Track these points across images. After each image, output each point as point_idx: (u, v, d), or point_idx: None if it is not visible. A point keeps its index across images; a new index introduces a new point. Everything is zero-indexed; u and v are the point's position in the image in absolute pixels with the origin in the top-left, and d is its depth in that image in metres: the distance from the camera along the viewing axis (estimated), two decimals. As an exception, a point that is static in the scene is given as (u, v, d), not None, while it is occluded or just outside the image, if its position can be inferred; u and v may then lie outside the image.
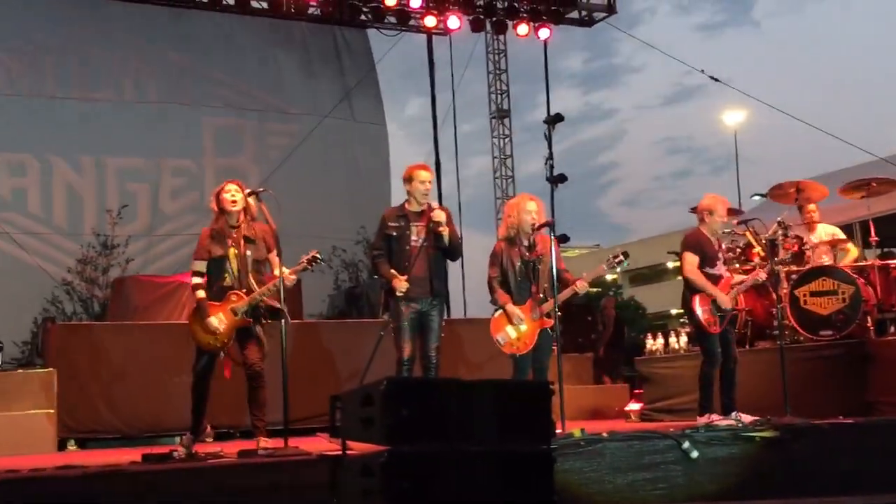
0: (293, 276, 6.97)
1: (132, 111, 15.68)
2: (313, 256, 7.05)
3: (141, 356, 9.10)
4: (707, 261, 7.93)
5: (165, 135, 15.93)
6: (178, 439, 8.69)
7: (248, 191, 7.14)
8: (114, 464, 5.92)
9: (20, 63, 15.20)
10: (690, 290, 7.92)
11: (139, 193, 15.81)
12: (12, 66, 15.16)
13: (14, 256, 14.34)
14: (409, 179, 7.58)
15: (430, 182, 7.61)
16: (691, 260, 7.92)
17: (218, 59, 16.53)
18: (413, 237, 7.46)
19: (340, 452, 4.64)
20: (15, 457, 7.44)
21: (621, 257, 7.77)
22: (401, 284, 7.29)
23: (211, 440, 8.85)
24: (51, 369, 8.79)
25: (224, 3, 15.09)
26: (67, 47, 15.48)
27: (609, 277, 10.99)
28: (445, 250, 7.56)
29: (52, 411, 8.53)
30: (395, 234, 7.51)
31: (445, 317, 14.44)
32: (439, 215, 7.41)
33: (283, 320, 6.74)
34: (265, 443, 6.73)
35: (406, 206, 7.62)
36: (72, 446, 8.73)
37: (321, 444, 6.52)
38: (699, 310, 7.82)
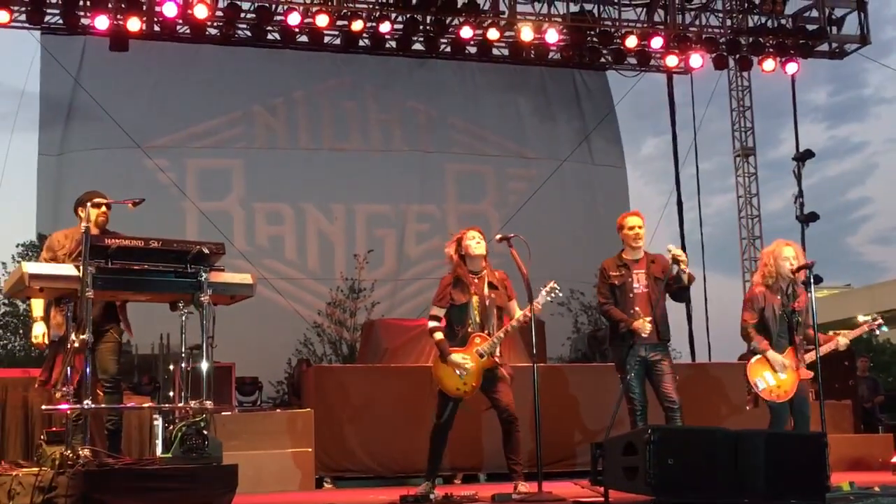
0: (538, 307, 6.92)
1: (379, 160, 16.37)
2: (552, 287, 7.00)
3: (391, 398, 9.28)
4: None
5: (410, 182, 16.51)
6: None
7: (498, 237, 7.18)
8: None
9: (278, 119, 16.23)
10: None
11: (385, 239, 16.40)
12: (271, 122, 16.19)
13: (272, 301, 15.14)
14: (619, 228, 7.52)
15: (639, 227, 7.44)
16: None
17: (459, 106, 16.98)
18: (635, 284, 7.33)
19: (600, 500, 4.57)
20: (278, 493, 7.77)
21: (881, 321, 7.69)
22: (644, 326, 7.12)
23: (459, 482, 8.94)
24: (309, 409, 9.10)
25: (466, 51, 15.43)
26: (319, 101, 16.37)
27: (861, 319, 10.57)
28: (679, 291, 7.37)
29: (309, 450, 8.80)
30: (617, 283, 7.41)
31: (690, 360, 14.20)
32: (679, 252, 7.22)
33: (534, 364, 6.72)
34: (523, 486, 6.69)
35: (623, 254, 7.51)
36: (328, 484, 8.99)
37: (576, 491, 6.45)
38: None
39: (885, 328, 7.74)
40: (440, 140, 16.74)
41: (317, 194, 16.20)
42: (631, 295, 7.31)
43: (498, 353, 7.00)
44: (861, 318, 7.76)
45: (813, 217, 7.27)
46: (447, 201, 16.73)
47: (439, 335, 7.04)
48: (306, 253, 16.09)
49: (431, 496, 6.47)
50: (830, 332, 7.77)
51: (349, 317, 15.40)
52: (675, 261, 7.17)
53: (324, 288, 15.69)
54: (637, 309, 7.18)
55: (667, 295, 7.40)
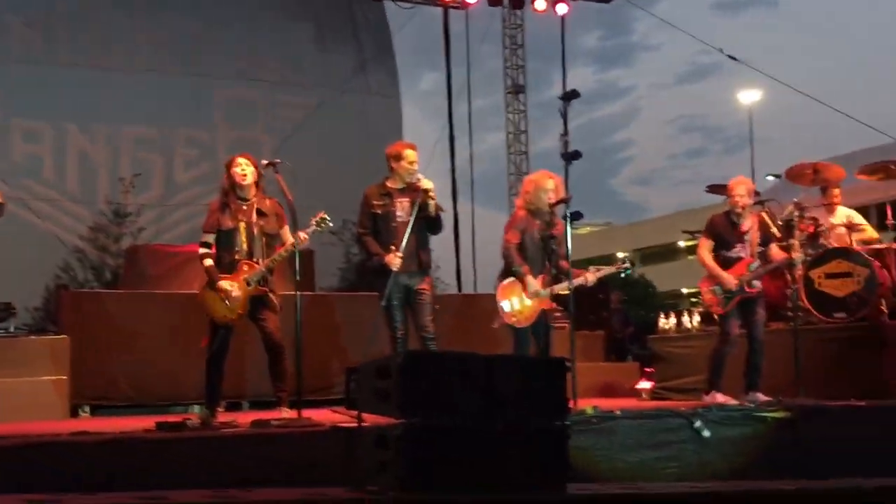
0: (304, 237, 6.93)
1: (146, 80, 15.71)
2: (321, 218, 7.04)
3: (154, 325, 9.09)
4: (722, 244, 8.02)
5: (178, 105, 15.98)
6: (189, 408, 8.75)
7: (264, 162, 7.13)
8: (128, 431, 5.94)
9: (35, 30, 15.25)
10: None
11: (152, 163, 15.89)
12: (28, 34, 15.21)
13: (28, 223, 14.37)
14: (396, 157, 7.46)
15: (416, 163, 7.49)
16: (702, 244, 8.16)
17: (232, 30, 16.55)
18: (398, 213, 7.40)
19: (355, 424, 4.65)
20: (29, 422, 7.48)
21: (627, 265, 8.14)
22: (395, 260, 7.22)
23: (223, 410, 8.89)
24: (64, 336, 8.80)
25: (240, -29, 15.03)
26: (81, 15, 15.50)
27: (620, 255, 11.12)
28: (430, 222, 7.48)
29: (64, 377, 8.54)
30: (379, 212, 7.43)
31: (457, 291, 14.51)
32: (429, 183, 7.35)
33: (298, 293, 6.74)
34: (287, 413, 6.75)
35: (388, 183, 7.51)
36: (84, 413, 8.74)
37: (334, 416, 6.53)
38: (703, 290, 8.08)
39: (629, 272, 8.24)
40: (211, 63, 16.22)
41: (78, 113, 15.35)
42: (393, 224, 7.36)
43: (269, 282, 7.01)
44: (620, 255, 8.19)
45: (576, 155, 7.53)
46: (218, 127, 16.33)
47: (209, 262, 7.00)
48: (66, 174, 15.35)
49: (189, 423, 6.38)
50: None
51: (113, 242, 14.86)
52: (423, 191, 7.28)
53: (85, 211, 15.06)
54: (394, 240, 7.27)
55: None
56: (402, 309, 7.38)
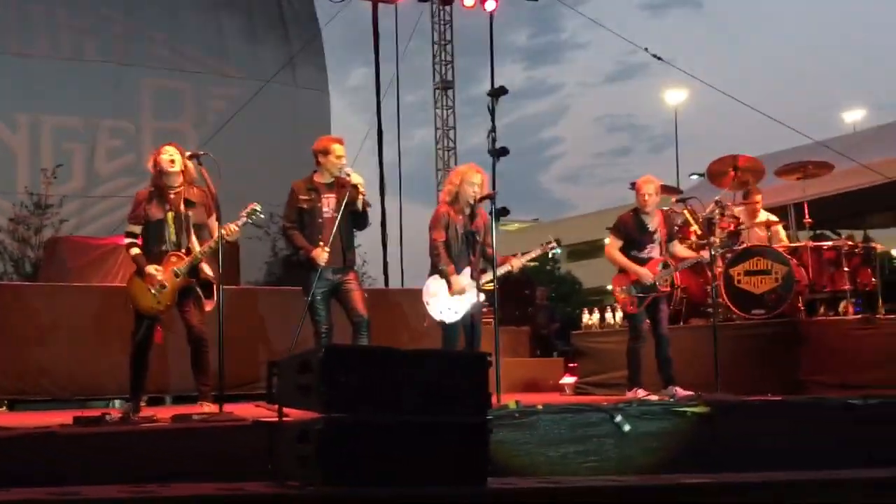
0: (235, 228, 6.87)
1: (69, 69, 15.48)
2: (252, 209, 6.99)
3: (74, 318, 8.94)
4: (632, 244, 8.15)
5: (103, 95, 15.75)
6: (110, 403, 8.63)
7: (188, 153, 7.06)
8: (44, 426, 5.83)
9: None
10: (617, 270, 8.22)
11: (75, 153, 15.62)
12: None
13: (-57, 213, 14.09)
14: (324, 152, 7.43)
15: (344, 157, 7.48)
16: (610, 242, 8.25)
17: (159, 20, 16.35)
18: (325, 209, 7.38)
19: (276, 419, 4.63)
20: (-58, 417, 7.32)
21: (554, 244, 8.15)
22: (321, 255, 7.20)
23: (144, 404, 8.77)
24: (-20, 329, 8.63)
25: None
26: (2, 1, 15.15)
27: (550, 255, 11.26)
28: (357, 217, 7.48)
29: (-20, 371, 8.38)
30: (306, 206, 7.40)
31: (384, 286, 14.51)
32: (359, 178, 7.34)
33: (219, 286, 6.69)
34: (209, 408, 6.69)
35: (315, 177, 7.49)
36: (1, 408, 8.59)
37: (256, 411, 6.49)
38: (615, 289, 8.17)
39: (557, 251, 8.27)
40: (136, 53, 16.04)
41: (-2, 101, 15.12)
42: (320, 220, 7.34)
43: (199, 273, 6.95)
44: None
45: (503, 152, 7.57)
46: (142, 117, 16.12)
47: (136, 250, 6.93)
48: (-16, 164, 15.06)
49: (108, 417, 6.29)
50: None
51: (33, 234, 14.56)
52: (353, 186, 7.27)
53: (5, 203, 14.74)
54: (320, 236, 7.24)
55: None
56: (327, 303, 7.37)
